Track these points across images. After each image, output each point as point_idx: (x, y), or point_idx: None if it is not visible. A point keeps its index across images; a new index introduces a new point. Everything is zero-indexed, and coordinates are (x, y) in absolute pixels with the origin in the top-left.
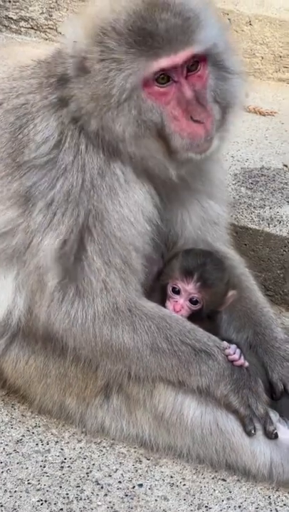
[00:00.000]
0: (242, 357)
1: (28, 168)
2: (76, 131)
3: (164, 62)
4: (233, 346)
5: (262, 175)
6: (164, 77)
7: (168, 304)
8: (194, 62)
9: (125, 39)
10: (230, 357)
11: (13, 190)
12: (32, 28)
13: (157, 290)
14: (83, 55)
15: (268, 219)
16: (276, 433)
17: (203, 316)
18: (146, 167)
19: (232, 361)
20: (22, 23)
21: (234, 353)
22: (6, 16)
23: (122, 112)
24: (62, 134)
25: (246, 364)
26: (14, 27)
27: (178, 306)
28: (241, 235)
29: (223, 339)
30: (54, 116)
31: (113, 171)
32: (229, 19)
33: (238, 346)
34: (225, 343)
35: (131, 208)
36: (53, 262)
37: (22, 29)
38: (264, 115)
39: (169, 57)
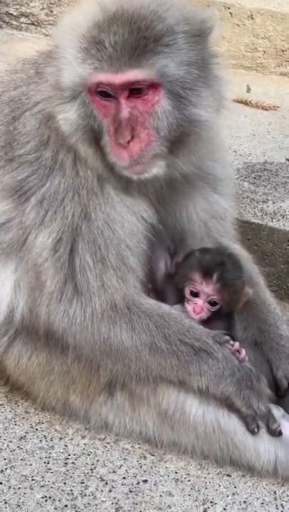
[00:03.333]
0: (243, 352)
1: (19, 163)
2: (47, 118)
3: (102, 77)
4: (236, 344)
5: (265, 169)
6: (104, 91)
7: (187, 306)
8: (140, 86)
9: (78, 43)
10: (234, 347)
11: (4, 182)
12: (32, 24)
13: (170, 290)
14: (57, 48)
15: (271, 213)
16: (280, 430)
17: (222, 316)
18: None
19: (235, 352)
20: (22, 19)
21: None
22: (6, 12)
23: (66, 108)
24: (40, 123)
25: (246, 360)
26: (15, 23)
27: (198, 309)
28: (244, 230)
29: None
30: (35, 100)
31: (82, 172)
32: (230, 13)
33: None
34: (227, 337)
35: (116, 207)
36: (48, 261)
37: (23, 25)
38: (266, 110)
39: (108, 75)
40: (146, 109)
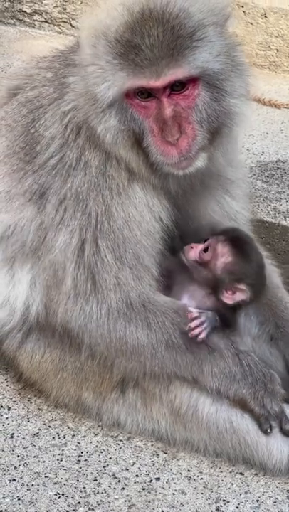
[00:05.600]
0: (205, 331)
1: (41, 166)
2: (76, 125)
3: (143, 82)
4: (201, 317)
5: (278, 168)
6: (144, 92)
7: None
8: (180, 83)
9: (112, 48)
10: (192, 323)
11: (27, 186)
12: (46, 21)
13: (175, 286)
14: (84, 54)
15: (284, 212)
16: None
17: (209, 282)
18: (133, 171)
19: (191, 329)
20: (36, 17)
21: (199, 323)
22: (19, 9)
23: (104, 118)
24: (66, 129)
25: (201, 336)
26: (28, 20)
27: (194, 245)
28: (257, 229)
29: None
30: (62, 109)
31: (110, 171)
32: (244, 11)
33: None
34: (195, 310)
35: (137, 207)
36: (67, 259)
37: (36, 23)
38: (279, 108)
39: (150, 80)
40: (187, 104)
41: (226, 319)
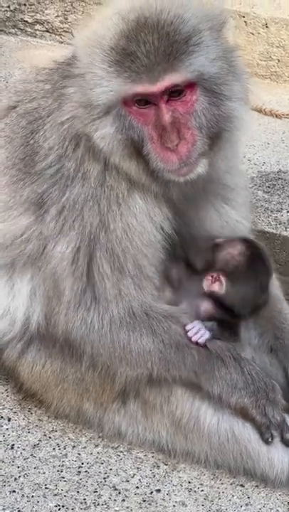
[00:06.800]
0: (203, 336)
1: (39, 176)
2: (75, 136)
3: (140, 88)
4: (197, 325)
5: (279, 178)
6: (143, 99)
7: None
8: (177, 89)
9: (107, 56)
10: (189, 333)
11: (25, 196)
12: (47, 31)
13: (184, 297)
14: (80, 64)
15: (285, 223)
16: None
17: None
18: (133, 180)
19: (190, 338)
20: (37, 26)
21: (196, 332)
22: (21, 19)
23: (101, 125)
24: (65, 140)
25: (202, 341)
26: (30, 30)
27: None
28: (258, 239)
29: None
30: (60, 120)
31: (109, 182)
32: (245, 22)
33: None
34: (189, 325)
35: (138, 217)
36: (66, 270)
37: (37, 32)
38: (280, 118)
39: (146, 86)
40: (186, 109)
41: (228, 329)
